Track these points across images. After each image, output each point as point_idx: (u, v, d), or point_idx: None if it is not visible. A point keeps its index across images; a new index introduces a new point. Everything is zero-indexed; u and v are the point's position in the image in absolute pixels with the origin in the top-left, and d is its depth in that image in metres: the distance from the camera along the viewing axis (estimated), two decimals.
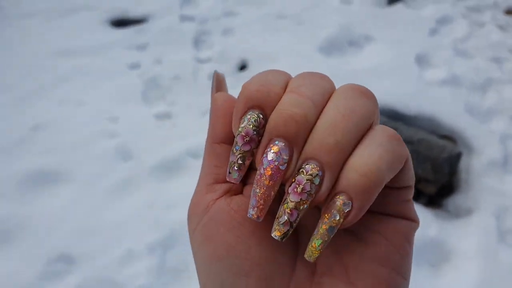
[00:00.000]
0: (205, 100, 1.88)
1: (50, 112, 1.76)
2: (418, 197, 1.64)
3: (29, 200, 1.45)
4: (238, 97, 0.25)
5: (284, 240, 0.22)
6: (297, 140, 0.22)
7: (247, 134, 0.23)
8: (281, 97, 0.24)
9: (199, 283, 0.27)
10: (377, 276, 0.23)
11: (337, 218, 0.21)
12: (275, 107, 0.23)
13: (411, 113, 1.86)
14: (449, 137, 1.83)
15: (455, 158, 1.64)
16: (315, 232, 0.22)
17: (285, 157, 0.22)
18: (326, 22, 2.33)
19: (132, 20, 2.31)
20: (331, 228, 0.21)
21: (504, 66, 2.28)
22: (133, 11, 2.36)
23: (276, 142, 0.22)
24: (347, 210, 0.21)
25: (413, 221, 0.25)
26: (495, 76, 2.18)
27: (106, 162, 1.58)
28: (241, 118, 0.24)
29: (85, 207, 1.45)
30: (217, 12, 2.35)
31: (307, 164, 0.22)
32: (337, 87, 0.26)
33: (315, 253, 0.22)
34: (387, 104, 1.88)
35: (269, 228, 0.23)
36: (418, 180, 1.62)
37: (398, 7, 2.53)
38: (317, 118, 0.23)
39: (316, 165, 0.21)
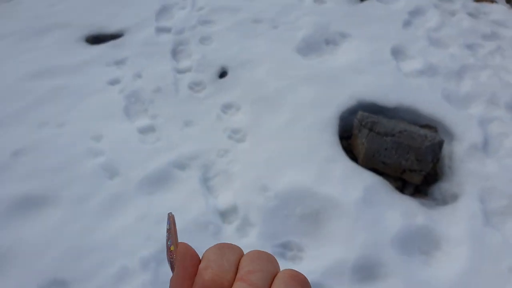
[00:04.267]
0: (187, 110, 1.88)
1: (30, 136, 1.74)
2: (404, 187, 1.67)
3: (16, 227, 1.43)
4: (195, 282, 0.28)
5: None
6: None
7: None
8: (233, 282, 0.28)
9: None
10: None
11: None
12: None
13: (391, 105, 1.89)
14: (430, 126, 1.87)
15: (438, 146, 1.68)
16: None
17: None
18: (301, 23, 2.36)
19: (108, 36, 2.30)
20: None
21: (478, 52, 2.34)
22: (108, 27, 2.35)
23: None
24: None
25: None
26: (469, 63, 2.23)
27: (92, 181, 1.57)
28: None
29: (74, 229, 1.44)
30: (193, 22, 2.36)
31: None
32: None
33: None
34: (367, 98, 1.91)
35: None
36: (403, 171, 1.65)
37: (370, 2, 2.57)
38: None
39: None
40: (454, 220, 1.50)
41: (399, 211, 1.50)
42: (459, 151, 1.77)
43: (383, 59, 2.16)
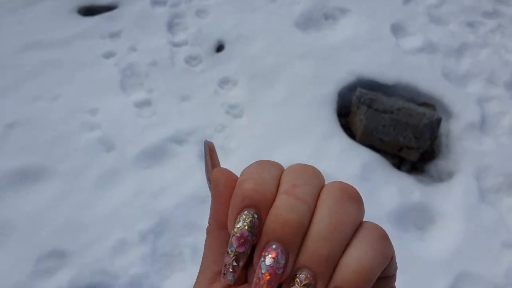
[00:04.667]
0: (183, 84, 1.85)
1: (24, 109, 1.71)
2: (401, 164, 1.68)
3: (12, 199, 1.42)
4: (234, 193, 0.25)
5: None
6: (293, 245, 0.23)
7: (242, 236, 0.24)
8: (275, 195, 0.25)
9: None
10: None
11: None
12: (270, 207, 0.24)
13: (390, 82, 1.88)
14: (428, 103, 1.87)
15: (435, 124, 1.68)
16: None
17: (282, 262, 0.23)
18: None
19: (101, 7, 2.23)
20: None
21: (478, 29, 2.31)
22: None
23: (273, 246, 0.23)
24: None
25: None
26: (470, 41, 2.20)
27: (88, 154, 1.56)
28: (236, 216, 0.24)
29: (72, 201, 1.43)
30: None
31: (301, 273, 0.23)
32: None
33: None
34: (366, 75, 1.89)
35: None
36: (400, 148, 1.65)
37: None
38: (311, 218, 0.24)
39: (310, 275, 0.23)
40: (449, 196, 1.52)
41: (395, 187, 1.51)
42: (457, 129, 1.77)
43: (382, 36, 2.13)
